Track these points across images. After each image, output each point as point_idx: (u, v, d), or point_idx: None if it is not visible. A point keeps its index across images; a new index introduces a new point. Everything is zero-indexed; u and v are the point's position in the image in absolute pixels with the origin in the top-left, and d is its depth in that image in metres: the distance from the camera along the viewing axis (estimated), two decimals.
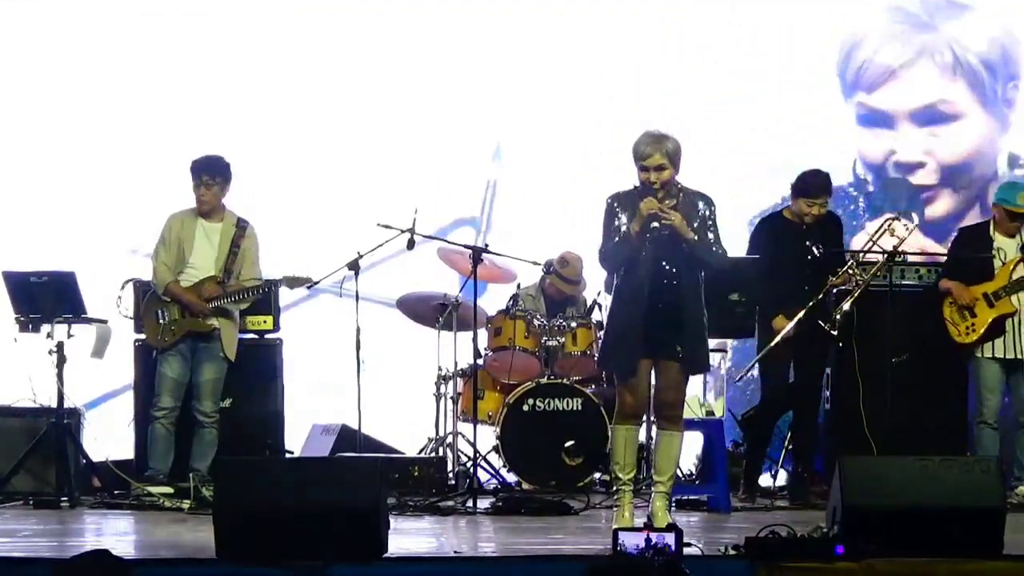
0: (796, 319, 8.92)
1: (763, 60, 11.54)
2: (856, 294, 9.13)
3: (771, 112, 11.53)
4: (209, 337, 9.17)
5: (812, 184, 9.22)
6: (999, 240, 9.39)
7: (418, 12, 11.47)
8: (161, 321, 9.16)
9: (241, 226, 9.25)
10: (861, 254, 9.38)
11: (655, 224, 7.13)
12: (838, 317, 9.03)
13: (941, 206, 11.52)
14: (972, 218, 11.29)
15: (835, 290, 9.22)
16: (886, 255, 9.27)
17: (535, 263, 10.26)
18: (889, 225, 9.43)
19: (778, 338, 8.97)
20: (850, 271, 9.17)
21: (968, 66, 11.63)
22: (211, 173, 9.15)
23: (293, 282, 9.30)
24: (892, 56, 11.63)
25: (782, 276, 9.04)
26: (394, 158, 11.33)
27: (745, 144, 11.39)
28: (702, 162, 10.14)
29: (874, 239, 9.42)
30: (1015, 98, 11.75)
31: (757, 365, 9.27)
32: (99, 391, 10.53)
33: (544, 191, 11.32)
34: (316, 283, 9.53)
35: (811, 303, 8.93)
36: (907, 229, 9.39)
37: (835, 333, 9.04)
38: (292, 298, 10.61)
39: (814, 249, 9.18)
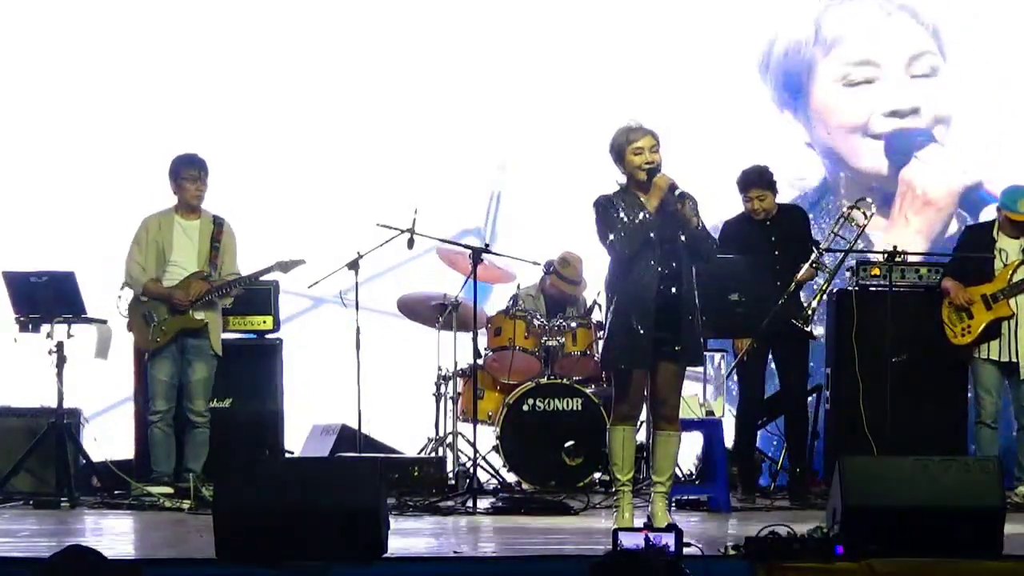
0: (765, 322, 8.91)
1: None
2: (825, 288, 9.19)
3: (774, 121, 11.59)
4: (199, 334, 9.17)
5: (744, 178, 9.24)
6: (1002, 241, 9.38)
7: (423, 26, 11.47)
8: (151, 323, 9.16)
9: (218, 223, 9.28)
10: (847, 250, 9.36)
11: (680, 191, 7.13)
12: (811, 313, 9.09)
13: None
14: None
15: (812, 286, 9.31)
16: (886, 255, 9.28)
17: (535, 263, 10.27)
18: (848, 213, 9.42)
19: (745, 350, 8.99)
20: (815, 265, 9.17)
21: (934, 29, 11.70)
22: (199, 168, 9.21)
23: (287, 266, 9.26)
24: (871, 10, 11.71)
25: (751, 275, 9.01)
26: (399, 166, 11.32)
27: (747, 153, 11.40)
28: (708, 166, 10.20)
29: (835, 231, 9.40)
30: None
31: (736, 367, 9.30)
32: (99, 391, 10.51)
33: (549, 201, 11.30)
34: (316, 282, 9.54)
35: (779, 303, 8.92)
36: (866, 216, 9.37)
37: (809, 329, 9.07)
38: (295, 309, 10.62)
39: (814, 249, 9.19)
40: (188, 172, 9.18)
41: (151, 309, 9.17)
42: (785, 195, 9.81)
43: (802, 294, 9.29)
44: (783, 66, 11.68)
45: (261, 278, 9.33)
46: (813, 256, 9.16)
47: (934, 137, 11.62)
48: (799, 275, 9.10)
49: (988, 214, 10.70)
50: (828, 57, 11.69)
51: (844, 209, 9.58)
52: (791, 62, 11.68)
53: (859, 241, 9.40)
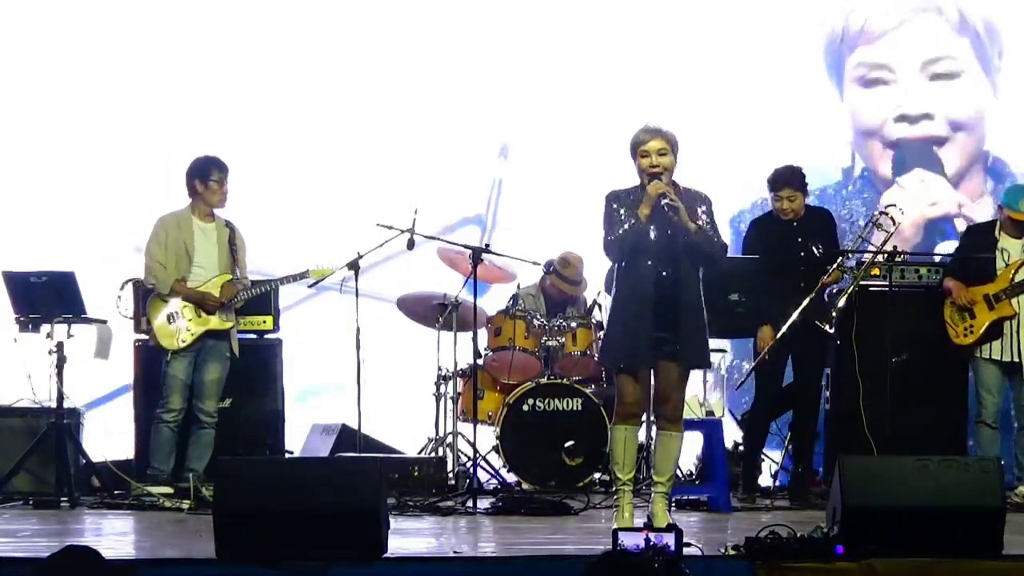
0: (784, 327, 8.87)
1: (767, 61, 11.57)
2: (850, 291, 9.16)
3: (776, 113, 11.57)
4: (221, 335, 9.19)
5: (774, 177, 9.23)
6: (1004, 241, 9.37)
7: (423, 11, 11.48)
8: (176, 322, 9.14)
9: (230, 226, 9.30)
10: (852, 251, 9.35)
11: (666, 201, 7.10)
12: (835, 315, 9.05)
13: (954, 160, 11.59)
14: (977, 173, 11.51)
15: (832, 288, 9.25)
16: (886, 255, 9.26)
17: (535, 263, 10.26)
18: (876, 219, 9.41)
19: (764, 352, 8.96)
20: (841, 268, 9.15)
21: (972, 27, 11.66)
22: (224, 170, 9.20)
23: (319, 274, 9.32)
24: (894, 10, 11.70)
25: (776, 276, 9.02)
26: (399, 157, 11.34)
27: (750, 145, 11.40)
28: (710, 162, 10.20)
29: (863, 235, 9.41)
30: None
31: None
32: (99, 391, 10.52)
33: (550, 189, 11.32)
34: (317, 282, 9.54)
35: (803, 305, 8.89)
36: (894, 222, 9.36)
37: (832, 331, 9.05)
38: (295, 297, 10.62)
39: (814, 249, 9.17)
40: (218, 174, 9.17)
41: (176, 308, 9.16)
42: (825, 177, 9.81)
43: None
44: (825, 59, 11.69)
45: (291, 283, 9.38)
46: (839, 260, 9.13)
47: (935, 155, 11.60)
48: (825, 278, 9.06)
49: (945, 248, 10.77)
50: (852, 55, 11.71)
51: (875, 213, 9.55)
52: (830, 56, 11.69)
53: (886, 245, 9.36)
